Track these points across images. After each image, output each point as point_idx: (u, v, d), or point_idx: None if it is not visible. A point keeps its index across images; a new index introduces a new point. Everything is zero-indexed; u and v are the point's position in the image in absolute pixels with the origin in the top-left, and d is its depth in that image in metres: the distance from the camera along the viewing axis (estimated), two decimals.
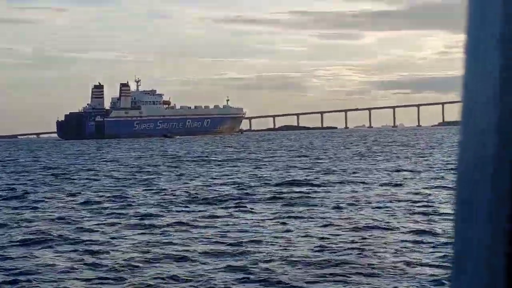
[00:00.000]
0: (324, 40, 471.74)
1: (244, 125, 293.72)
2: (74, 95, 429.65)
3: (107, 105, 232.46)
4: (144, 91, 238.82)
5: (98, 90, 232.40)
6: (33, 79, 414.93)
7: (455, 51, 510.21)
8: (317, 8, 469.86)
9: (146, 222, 24.31)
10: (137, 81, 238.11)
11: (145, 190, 36.92)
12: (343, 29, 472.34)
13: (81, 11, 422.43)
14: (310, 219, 23.94)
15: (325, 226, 22.38)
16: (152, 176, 47.18)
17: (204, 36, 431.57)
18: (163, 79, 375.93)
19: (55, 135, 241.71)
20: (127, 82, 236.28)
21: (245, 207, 27.99)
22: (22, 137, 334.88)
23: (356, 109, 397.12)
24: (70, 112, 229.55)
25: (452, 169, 44.06)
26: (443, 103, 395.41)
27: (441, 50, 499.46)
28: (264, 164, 57.82)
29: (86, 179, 46.37)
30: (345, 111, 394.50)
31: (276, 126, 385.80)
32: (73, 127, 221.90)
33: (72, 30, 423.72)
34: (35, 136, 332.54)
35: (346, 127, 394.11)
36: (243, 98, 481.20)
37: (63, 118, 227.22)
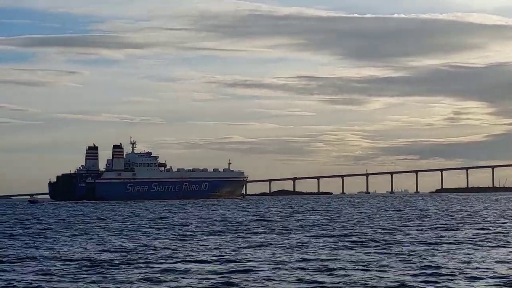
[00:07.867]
0: (331, 105, 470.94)
1: None
2: (73, 156, 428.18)
3: (102, 166, 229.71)
4: (139, 153, 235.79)
5: (92, 151, 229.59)
6: (39, 140, 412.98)
7: (463, 117, 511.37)
8: (324, 73, 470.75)
9: None
10: (133, 143, 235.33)
11: None
12: (349, 95, 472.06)
13: (91, 74, 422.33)
14: None
15: None
16: None
17: (211, 100, 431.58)
18: (166, 142, 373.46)
19: (48, 196, 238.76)
20: (120, 144, 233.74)
21: None
22: (15, 197, 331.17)
23: (353, 175, 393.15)
24: (62, 174, 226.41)
25: None
26: (441, 170, 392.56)
27: (449, 117, 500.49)
28: None
29: None
30: (342, 176, 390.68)
31: (272, 191, 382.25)
32: (64, 188, 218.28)
33: (81, 93, 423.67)
34: (28, 196, 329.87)
35: (343, 193, 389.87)
36: (246, 162, 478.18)
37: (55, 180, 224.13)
